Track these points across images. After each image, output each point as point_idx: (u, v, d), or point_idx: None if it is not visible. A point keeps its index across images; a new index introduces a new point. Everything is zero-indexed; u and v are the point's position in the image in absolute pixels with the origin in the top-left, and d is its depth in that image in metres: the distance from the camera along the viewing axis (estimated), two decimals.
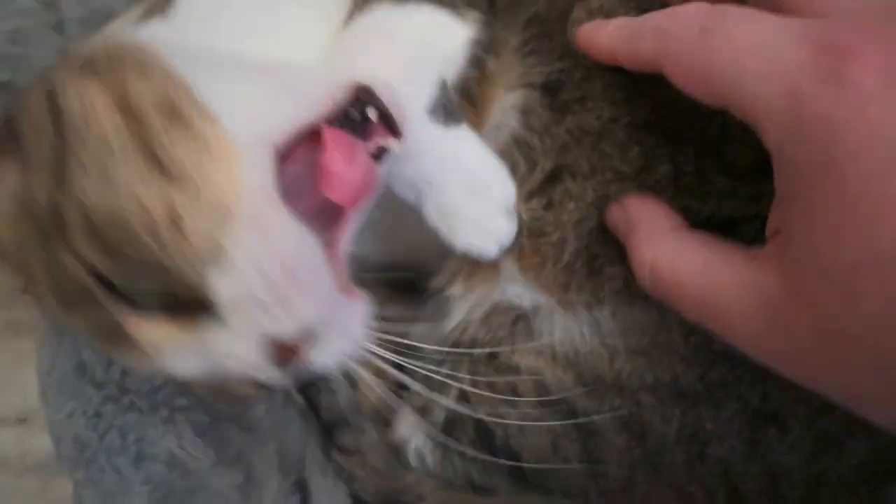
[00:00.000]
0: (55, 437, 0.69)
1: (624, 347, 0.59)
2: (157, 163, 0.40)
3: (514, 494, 0.67)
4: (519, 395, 0.64)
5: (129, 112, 0.41)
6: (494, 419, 0.63)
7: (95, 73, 0.42)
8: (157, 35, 0.51)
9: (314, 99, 0.43)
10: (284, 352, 0.42)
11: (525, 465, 0.64)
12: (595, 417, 0.61)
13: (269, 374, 0.43)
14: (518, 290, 0.63)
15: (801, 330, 0.38)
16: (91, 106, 0.41)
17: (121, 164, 0.40)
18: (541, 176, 0.59)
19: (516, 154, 0.59)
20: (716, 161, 0.56)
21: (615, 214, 0.57)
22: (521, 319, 0.64)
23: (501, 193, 0.55)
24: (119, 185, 0.39)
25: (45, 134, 0.41)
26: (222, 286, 0.40)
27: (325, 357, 0.44)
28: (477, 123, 0.57)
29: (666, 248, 0.49)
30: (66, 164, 0.40)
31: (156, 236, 0.39)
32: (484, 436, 0.65)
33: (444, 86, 0.52)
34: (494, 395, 0.62)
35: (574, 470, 0.64)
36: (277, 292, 0.40)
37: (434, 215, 0.53)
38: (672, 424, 0.60)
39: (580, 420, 0.61)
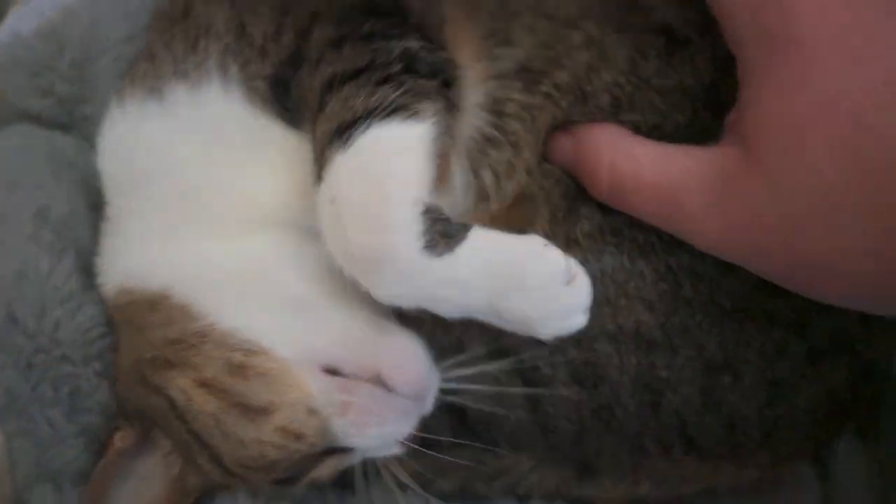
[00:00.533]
0: None
1: None
2: (248, 409, 0.52)
3: (457, 448, 0.64)
4: (464, 344, 0.61)
5: (208, 384, 0.53)
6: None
7: (172, 366, 0.54)
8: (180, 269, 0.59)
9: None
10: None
11: (469, 413, 0.62)
12: (542, 367, 0.59)
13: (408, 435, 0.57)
14: None
15: (755, 193, 0.42)
16: (184, 391, 0.53)
17: (229, 422, 0.53)
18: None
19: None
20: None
21: (563, 142, 0.56)
22: None
23: (545, 272, 0.50)
24: (242, 438, 0.53)
25: (173, 422, 0.55)
26: (344, 440, 0.55)
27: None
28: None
29: (624, 147, 0.51)
30: (202, 436, 0.54)
31: (288, 451, 0.53)
32: None
33: (427, 211, 0.48)
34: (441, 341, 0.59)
35: (521, 423, 0.62)
36: (377, 431, 0.54)
37: (504, 325, 0.52)
38: (628, 374, 0.59)
39: (524, 368, 0.60)
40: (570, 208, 0.59)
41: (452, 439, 0.61)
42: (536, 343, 0.55)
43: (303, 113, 0.55)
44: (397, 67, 0.50)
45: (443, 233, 0.48)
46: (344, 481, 0.65)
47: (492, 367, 0.60)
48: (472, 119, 0.58)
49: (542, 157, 0.60)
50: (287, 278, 0.57)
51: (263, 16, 0.57)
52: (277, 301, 0.56)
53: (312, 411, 0.53)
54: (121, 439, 0.58)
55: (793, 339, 0.59)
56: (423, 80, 0.51)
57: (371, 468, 0.63)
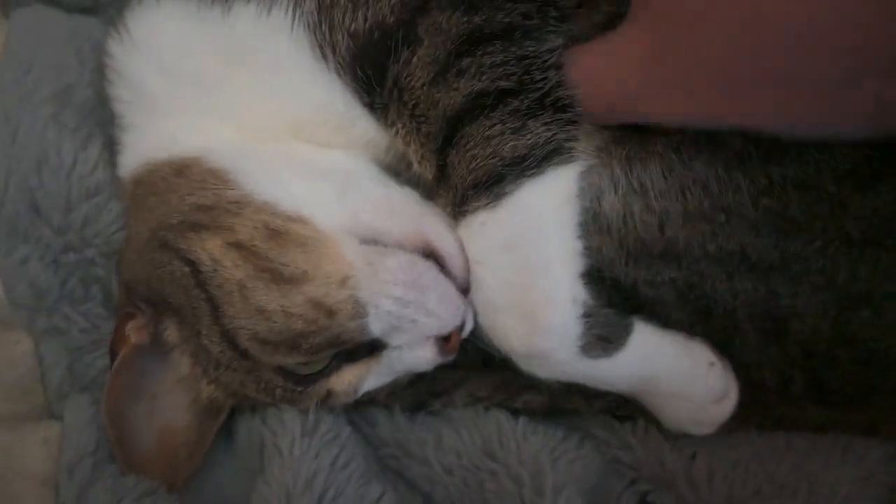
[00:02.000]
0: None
1: (679, 211, 0.50)
2: (280, 276, 0.49)
3: None
4: None
5: (241, 247, 0.50)
6: None
7: (203, 227, 0.51)
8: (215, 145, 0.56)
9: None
10: (450, 341, 0.52)
11: None
12: (641, 286, 0.52)
13: (445, 360, 0.53)
14: None
15: (671, 71, 0.45)
16: (212, 254, 0.50)
17: (257, 290, 0.49)
18: None
19: None
20: None
21: None
22: None
23: (702, 395, 0.51)
24: (266, 308, 0.49)
25: (191, 290, 0.51)
26: (377, 326, 0.50)
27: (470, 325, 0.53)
28: None
29: None
30: (221, 307, 0.50)
31: (316, 326, 0.49)
32: None
33: (587, 314, 0.49)
34: None
35: None
36: (417, 307, 0.50)
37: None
38: (743, 299, 0.51)
39: (625, 287, 0.52)
40: None
41: None
42: (634, 264, 0.51)
43: (391, 101, 0.51)
44: (548, 88, 0.48)
45: (601, 336, 0.49)
46: (414, 404, 0.60)
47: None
48: None
49: None
50: (328, 153, 0.56)
51: None
52: (318, 171, 0.55)
53: (347, 283, 0.49)
54: (134, 332, 0.54)
55: None
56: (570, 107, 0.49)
57: (443, 387, 0.58)
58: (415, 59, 0.49)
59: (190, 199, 0.53)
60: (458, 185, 0.49)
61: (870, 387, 0.53)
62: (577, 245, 0.49)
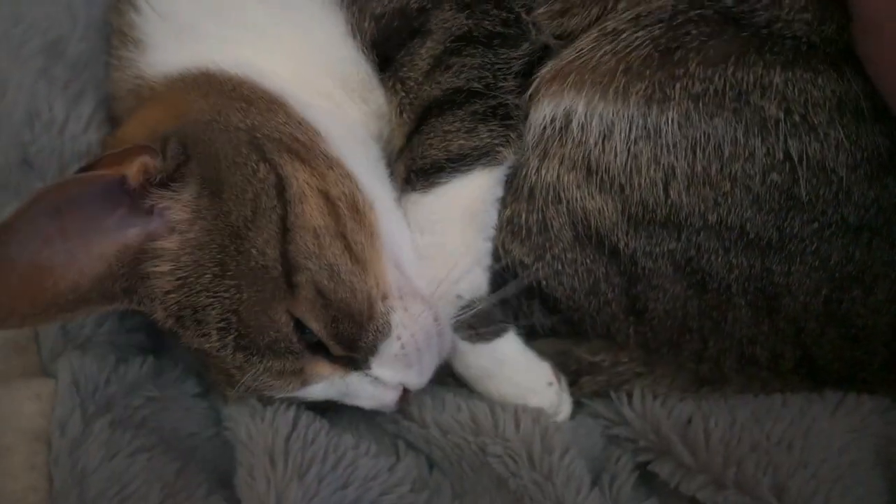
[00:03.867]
0: None
1: (686, 171, 0.51)
2: (348, 246, 0.51)
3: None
4: (551, 232, 0.55)
5: (329, 200, 0.51)
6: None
7: (299, 158, 0.52)
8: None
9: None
10: (407, 394, 0.55)
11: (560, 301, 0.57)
12: (641, 258, 0.53)
13: (390, 409, 0.56)
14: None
15: None
16: (303, 187, 0.51)
17: (334, 247, 0.50)
18: None
19: None
20: None
21: None
22: (558, 121, 0.54)
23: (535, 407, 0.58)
24: (337, 270, 0.50)
25: (266, 197, 0.50)
26: (385, 348, 0.52)
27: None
28: None
29: None
30: (291, 232, 0.50)
31: (360, 317, 0.51)
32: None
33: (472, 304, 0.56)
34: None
35: (615, 315, 0.56)
36: (420, 354, 0.53)
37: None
38: (738, 274, 0.52)
39: (622, 258, 0.54)
40: (675, 54, 0.51)
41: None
42: (634, 233, 0.53)
43: (396, 69, 0.57)
44: (503, 95, 0.55)
45: (471, 325, 0.56)
46: None
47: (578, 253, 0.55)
48: None
49: None
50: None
51: None
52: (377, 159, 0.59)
53: (385, 301, 0.52)
54: (139, 167, 0.48)
55: None
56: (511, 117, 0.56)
57: None
58: (423, 50, 0.55)
59: (288, 130, 0.53)
60: (409, 165, 0.56)
61: (858, 364, 0.55)
62: (483, 246, 0.57)
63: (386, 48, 0.57)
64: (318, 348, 0.51)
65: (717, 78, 0.50)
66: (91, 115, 0.64)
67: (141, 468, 0.51)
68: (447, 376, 0.60)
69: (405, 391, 0.54)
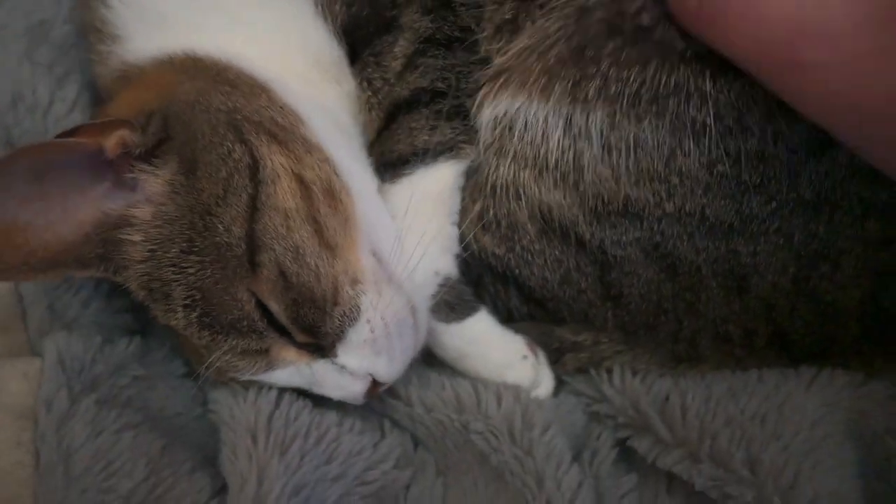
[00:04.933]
0: None
1: (631, 167, 0.51)
2: (319, 230, 0.51)
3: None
4: (517, 226, 0.56)
5: (303, 183, 0.52)
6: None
7: (277, 141, 0.53)
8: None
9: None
10: (377, 388, 0.55)
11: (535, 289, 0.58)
12: (610, 247, 0.54)
13: (359, 401, 0.56)
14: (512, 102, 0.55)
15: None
16: (277, 169, 0.51)
17: (302, 230, 0.50)
18: None
19: None
20: None
21: None
22: (503, 121, 0.55)
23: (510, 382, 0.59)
24: (303, 252, 0.50)
25: (239, 177, 0.50)
26: (353, 334, 0.52)
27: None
28: None
29: None
30: (259, 212, 0.50)
31: (324, 302, 0.51)
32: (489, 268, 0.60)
33: (446, 282, 0.59)
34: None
35: (592, 302, 0.57)
36: (390, 340, 0.53)
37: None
38: (705, 257, 0.53)
39: (593, 248, 0.54)
40: (588, 57, 0.51)
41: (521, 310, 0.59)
42: (598, 224, 0.54)
43: (362, 67, 0.59)
44: (464, 95, 0.58)
45: (448, 302, 0.58)
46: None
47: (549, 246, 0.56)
48: None
49: None
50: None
51: None
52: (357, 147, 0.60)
53: (356, 286, 0.52)
54: (117, 139, 0.49)
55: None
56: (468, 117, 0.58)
57: None
58: (396, 49, 0.58)
59: (268, 113, 0.54)
60: (379, 159, 0.59)
61: (830, 338, 0.55)
62: (450, 230, 0.59)
63: (355, 38, 0.58)
64: (286, 331, 0.51)
65: (633, 81, 0.50)
66: (76, 97, 0.65)
67: (126, 445, 0.52)
68: (433, 356, 0.60)
69: (375, 384, 0.54)
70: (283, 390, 0.55)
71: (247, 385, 0.54)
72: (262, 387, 0.54)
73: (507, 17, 0.55)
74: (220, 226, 0.49)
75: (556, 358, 0.60)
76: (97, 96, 0.66)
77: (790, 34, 0.40)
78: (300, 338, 0.51)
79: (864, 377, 0.54)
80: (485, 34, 0.57)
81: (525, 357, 0.59)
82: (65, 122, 0.63)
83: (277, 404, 0.53)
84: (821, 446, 0.49)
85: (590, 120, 0.51)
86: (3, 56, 0.65)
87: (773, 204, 0.51)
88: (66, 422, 0.51)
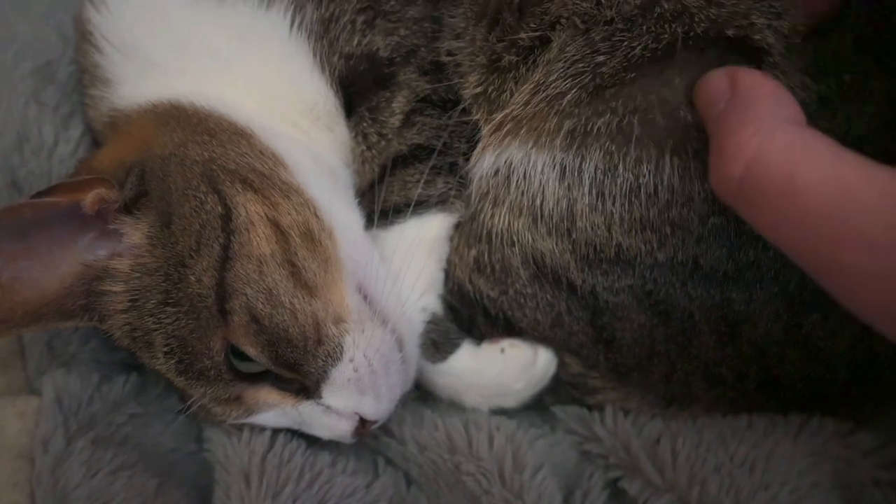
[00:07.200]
0: None
1: (624, 216, 0.51)
2: (296, 272, 0.51)
3: None
4: (511, 270, 0.57)
5: (278, 228, 0.52)
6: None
7: (252, 188, 0.53)
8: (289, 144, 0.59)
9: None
10: (365, 427, 0.55)
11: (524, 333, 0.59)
12: (601, 293, 0.54)
13: (348, 440, 0.56)
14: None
15: None
16: (252, 217, 0.52)
17: (276, 274, 0.51)
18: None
19: None
20: None
21: (715, 83, 0.46)
22: (502, 171, 0.55)
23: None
24: (277, 295, 0.50)
25: (211, 228, 0.51)
26: (336, 373, 0.52)
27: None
28: None
29: (781, 138, 0.40)
30: (231, 260, 0.50)
31: (303, 342, 0.51)
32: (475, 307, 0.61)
33: (433, 320, 0.61)
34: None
35: (584, 344, 0.57)
36: (374, 379, 0.53)
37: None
38: (699, 304, 0.53)
39: (585, 294, 0.55)
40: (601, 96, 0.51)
41: None
42: (589, 270, 0.54)
43: (357, 121, 0.61)
44: (458, 154, 0.60)
45: (435, 341, 0.59)
46: None
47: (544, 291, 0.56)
48: None
49: None
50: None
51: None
52: (346, 188, 0.62)
53: (339, 325, 0.52)
54: (94, 197, 0.50)
55: None
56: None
57: None
58: (394, 105, 0.60)
59: (246, 161, 0.54)
60: (371, 207, 0.61)
61: (821, 383, 0.55)
62: (439, 274, 0.61)
63: (351, 91, 0.60)
64: (266, 376, 0.52)
65: (636, 119, 0.49)
66: (80, 137, 0.67)
67: (122, 486, 0.53)
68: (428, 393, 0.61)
69: (364, 423, 0.54)
70: (276, 430, 0.55)
71: (241, 425, 0.55)
72: (255, 427, 0.55)
73: (478, 90, 0.58)
74: (192, 276, 0.50)
75: (551, 387, 0.60)
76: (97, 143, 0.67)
77: (830, 234, 0.38)
78: (286, 375, 0.51)
79: (853, 426, 0.54)
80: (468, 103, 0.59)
81: (512, 345, 0.59)
82: (69, 162, 0.65)
83: (271, 445, 0.54)
84: (808, 495, 0.49)
85: (585, 165, 0.51)
86: (11, 97, 0.67)
87: (772, 251, 0.51)
88: (62, 462, 0.52)
